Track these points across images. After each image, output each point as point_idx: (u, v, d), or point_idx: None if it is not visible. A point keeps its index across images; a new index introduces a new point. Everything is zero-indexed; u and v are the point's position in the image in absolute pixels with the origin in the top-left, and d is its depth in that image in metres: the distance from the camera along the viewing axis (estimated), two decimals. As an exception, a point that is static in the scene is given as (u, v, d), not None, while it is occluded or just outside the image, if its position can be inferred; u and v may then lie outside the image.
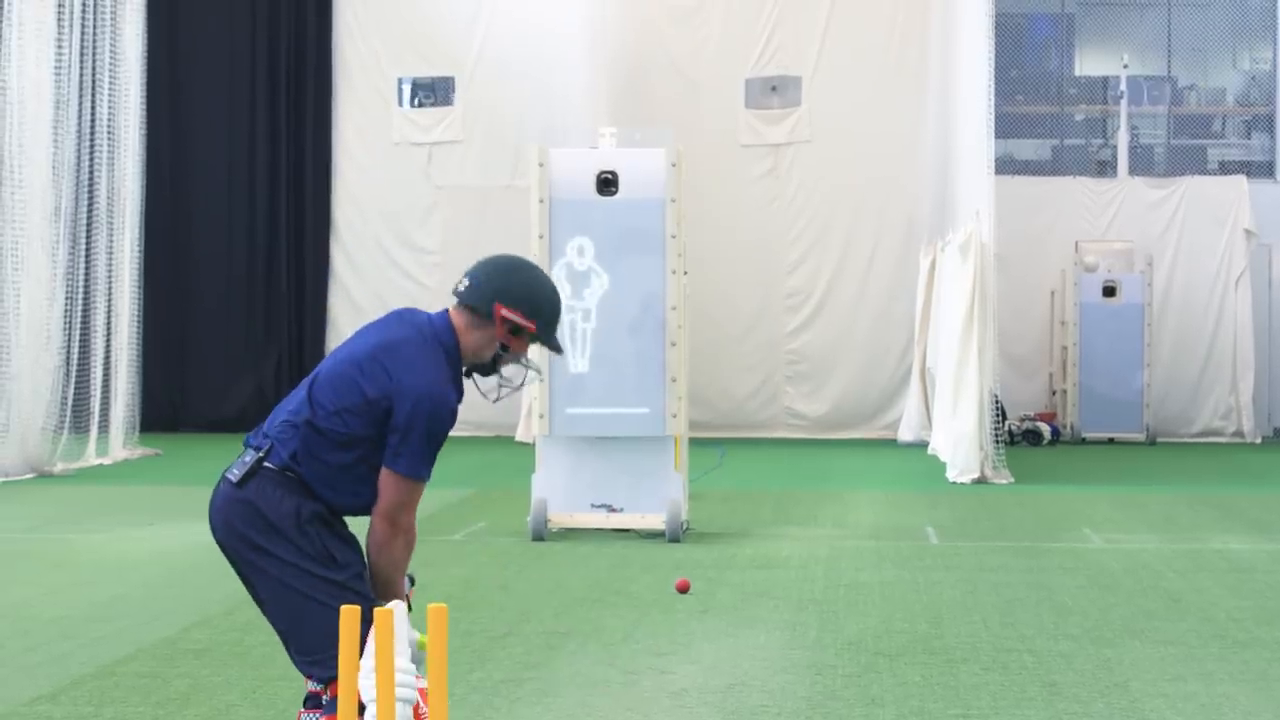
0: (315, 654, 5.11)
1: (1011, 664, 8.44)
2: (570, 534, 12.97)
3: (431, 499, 14.98)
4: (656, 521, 12.85)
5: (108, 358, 19.40)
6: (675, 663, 8.39)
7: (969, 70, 19.64)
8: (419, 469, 5.12)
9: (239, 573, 5.30)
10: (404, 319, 5.33)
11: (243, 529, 5.15)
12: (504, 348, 5.28)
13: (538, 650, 8.64)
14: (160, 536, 13.16)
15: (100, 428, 19.26)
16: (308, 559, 5.13)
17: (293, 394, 5.31)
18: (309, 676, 5.20)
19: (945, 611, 9.94)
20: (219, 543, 5.24)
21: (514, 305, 5.24)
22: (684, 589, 10.44)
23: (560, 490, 12.96)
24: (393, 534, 5.15)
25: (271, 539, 5.13)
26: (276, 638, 8.69)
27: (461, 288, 5.29)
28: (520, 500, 13.67)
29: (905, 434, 22.58)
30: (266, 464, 5.16)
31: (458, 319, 5.27)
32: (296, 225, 24.32)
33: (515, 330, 5.26)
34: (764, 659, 8.54)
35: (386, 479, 5.12)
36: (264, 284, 24.24)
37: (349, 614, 4.26)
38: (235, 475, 5.17)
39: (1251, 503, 16.20)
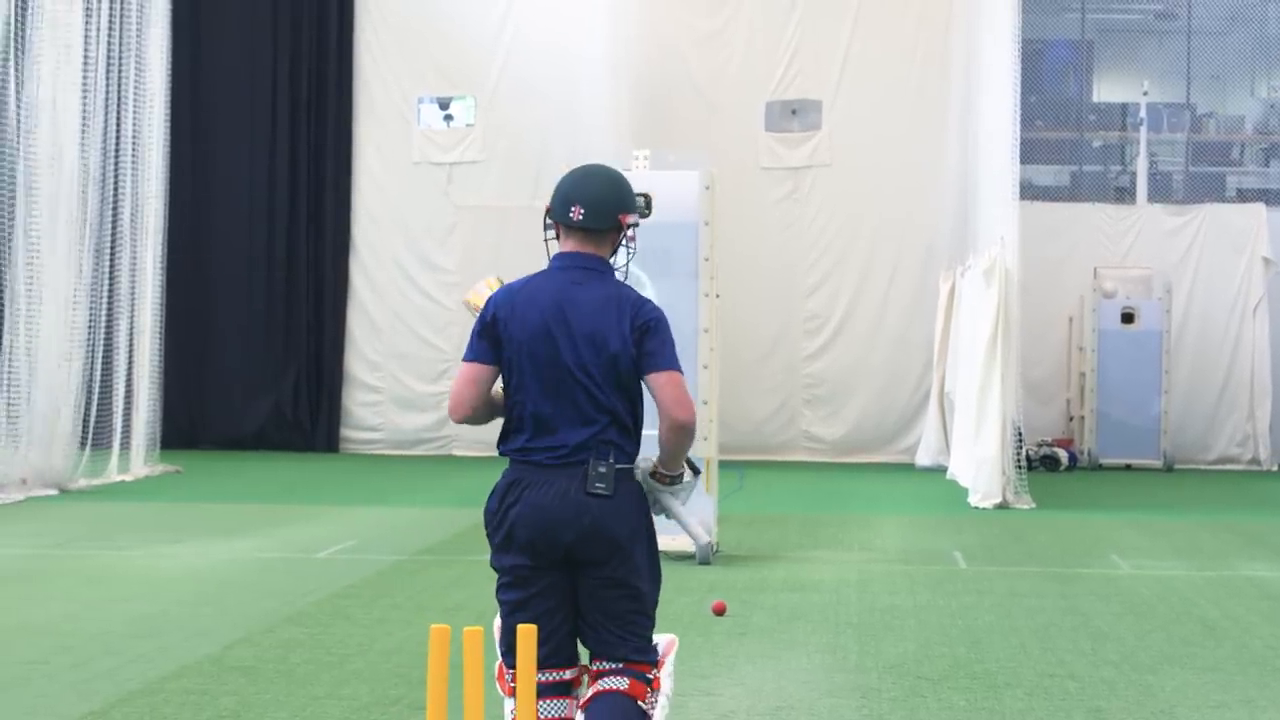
0: (647, 644, 5.62)
1: (1055, 690, 8.46)
2: (600, 555, 12.95)
3: (460, 519, 15.07)
4: (686, 543, 12.85)
5: (130, 374, 19.46)
6: (720, 685, 8.42)
7: (991, 95, 19.70)
8: (678, 362, 5.60)
9: (551, 581, 5.51)
10: (590, 270, 5.58)
11: (616, 531, 5.48)
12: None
13: (581, 671, 8.63)
14: (190, 553, 13.19)
15: (122, 444, 19.29)
16: (655, 559, 5.68)
17: (560, 405, 5.48)
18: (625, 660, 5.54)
19: (983, 636, 9.96)
20: (573, 548, 5.45)
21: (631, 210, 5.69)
22: (720, 611, 10.40)
23: (590, 511, 12.93)
24: (692, 414, 5.55)
25: (635, 541, 5.53)
26: (320, 657, 8.79)
27: (580, 216, 5.56)
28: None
29: (923, 458, 22.61)
30: (619, 467, 5.49)
31: (600, 249, 5.61)
32: (316, 244, 24.38)
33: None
34: (808, 682, 8.56)
35: (671, 378, 5.51)
36: (283, 302, 24.28)
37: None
38: (603, 489, 5.44)
39: (1275, 530, 16.23)
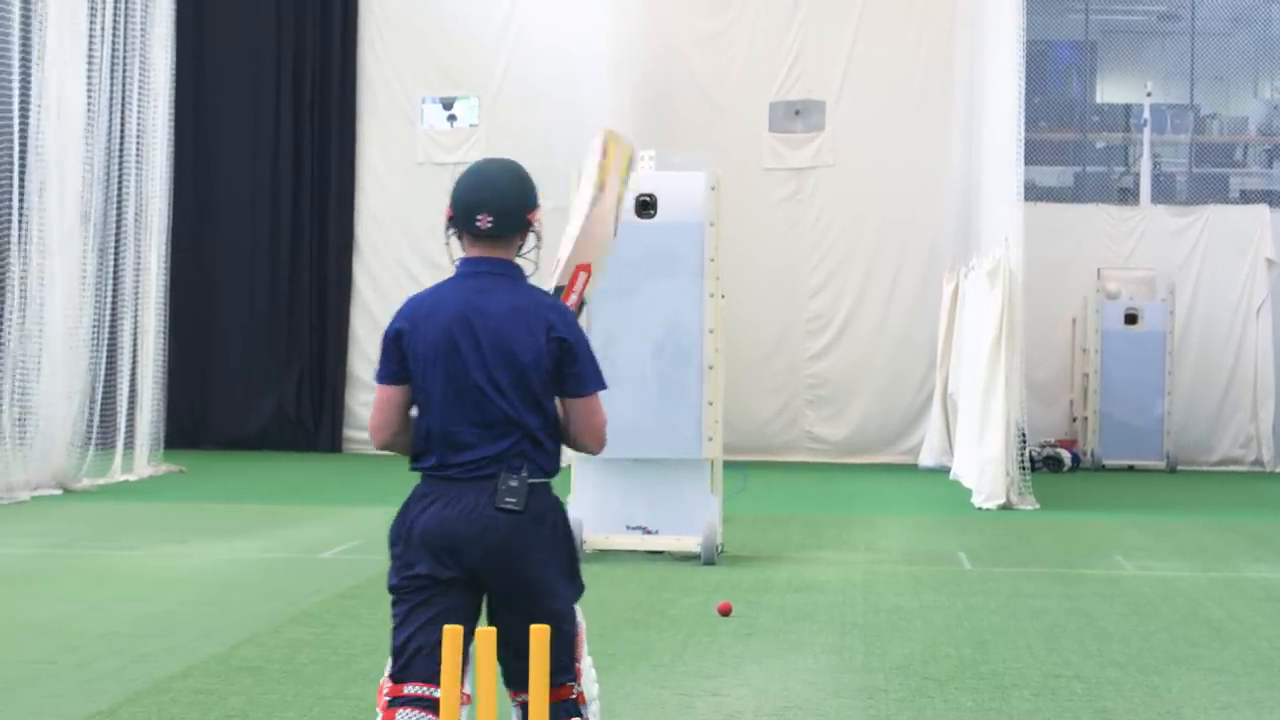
0: (567, 661, 5.36)
1: (1061, 690, 8.46)
2: (604, 555, 12.98)
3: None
4: (691, 544, 12.87)
5: (134, 373, 19.47)
6: (727, 685, 8.41)
7: (995, 95, 19.71)
8: (602, 378, 5.39)
9: (444, 593, 5.24)
10: (498, 275, 5.35)
11: (528, 551, 5.22)
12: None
13: (588, 671, 8.63)
14: (194, 553, 13.19)
15: (126, 444, 19.30)
16: (575, 574, 5.40)
17: (469, 420, 5.23)
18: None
19: (988, 637, 9.96)
20: (481, 568, 5.21)
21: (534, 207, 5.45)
22: (726, 612, 10.46)
23: (595, 512, 12.97)
24: (603, 444, 5.45)
25: (549, 561, 5.28)
26: (327, 657, 8.80)
27: (488, 225, 5.29)
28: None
29: (926, 459, 22.61)
30: (532, 481, 5.24)
31: (509, 250, 5.37)
32: (319, 244, 24.39)
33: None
34: (814, 682, 8.56)
35: (590, 406, 5.35)
36: (286, 302, 24.29)
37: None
38: (513, 504, 5.18)
39: (1279, 531, 16.24)
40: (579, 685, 5.40)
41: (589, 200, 6.02)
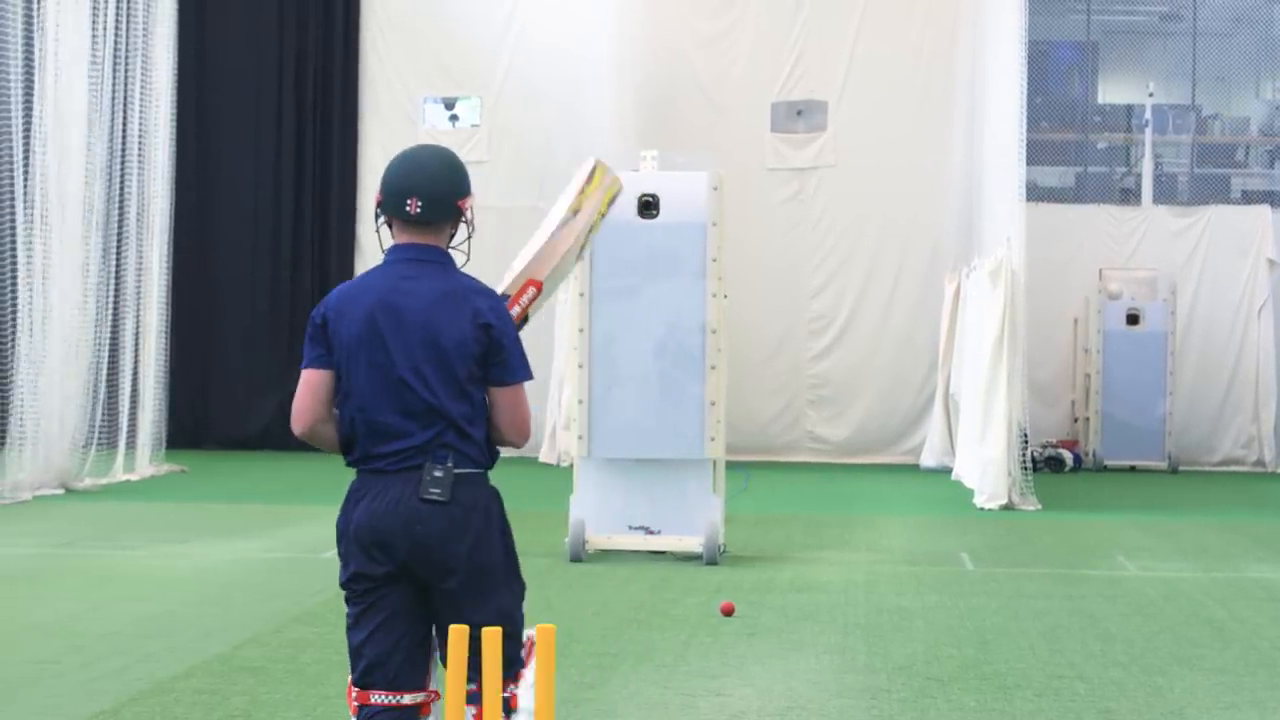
0: (508, 660, 5.15)
1: (1064, 691, 8.46)
2: (606, 555, 12.99)
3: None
4: (694, 544, 12.87)
5: (135, 373, 19.48)
6: (730, 685, 8.42)
7: (997, 95, 19.71)
8: (529, 369, 5.28)
9: (388, 593, 5.17)
10: (426, 262, 5.24)
11: (452, 542, 5.13)
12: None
13: (591, 671, 8.65)
14: (196, 553, 13.19)
15: (128, 443, 19.31)
16: (514, 570, 5.31)
17: (393, 409, 5.14)
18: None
19: (991, 637, 9.96)
20: (409, 561, 5.12)
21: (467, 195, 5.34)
22: (728, 612, 10.47)
23: (596, 512, 12.97)
24: (527, 436, 5.34)
25: (479, 552, 5.18)
26: (330, 656, 8.79)
27: (417, 209, 5.21)
28: (550, 521, 13.70)
29: (928, 459, 22.60)
30: (459, 471, 5.15)
31: (439, 238, 5.29)
32: (321, 244, 24.38)
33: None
34: (817, 682, 8.56)
35: (515, 396, 5.24)
36: (288, 302, 24.27)
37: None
38: (437, 495, 5.09)
39: (1281, 532, 16.26)
40: (515, 688, 5.22)
41: (559, 220, 5.98)
